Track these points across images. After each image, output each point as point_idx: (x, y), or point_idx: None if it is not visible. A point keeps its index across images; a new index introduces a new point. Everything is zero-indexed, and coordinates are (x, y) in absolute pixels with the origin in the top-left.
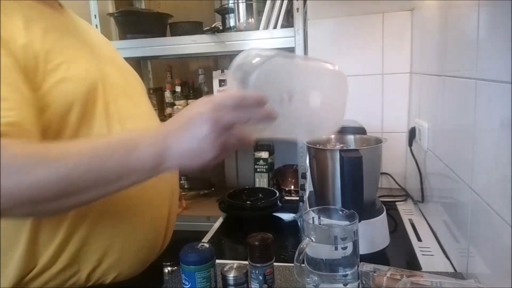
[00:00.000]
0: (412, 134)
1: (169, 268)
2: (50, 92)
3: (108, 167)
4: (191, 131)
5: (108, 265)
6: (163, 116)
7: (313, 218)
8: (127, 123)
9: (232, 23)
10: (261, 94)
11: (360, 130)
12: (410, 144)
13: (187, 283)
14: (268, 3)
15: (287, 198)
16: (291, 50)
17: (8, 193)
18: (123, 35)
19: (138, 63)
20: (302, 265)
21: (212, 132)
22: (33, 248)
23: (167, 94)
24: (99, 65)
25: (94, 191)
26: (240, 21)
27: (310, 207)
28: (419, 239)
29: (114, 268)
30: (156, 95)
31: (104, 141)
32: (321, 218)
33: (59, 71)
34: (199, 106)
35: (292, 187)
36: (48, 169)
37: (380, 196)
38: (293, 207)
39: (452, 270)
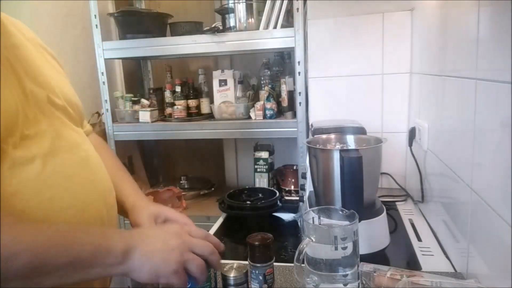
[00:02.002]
0: (412, 134)
1: None
2: None
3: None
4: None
5: None
6: (163, 116)
7: (313, 218)
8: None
9: (232, 23)
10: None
11: (360, 130)
12: (410, 144)
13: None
14: (268, 3)
15: (287, 198)
16: (291, 50)
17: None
18: (123, 35)
19: (138, 63)
20: (302, 265)
21: (178, 248)
22: None
23: (167, 94)
24: (25, 85)
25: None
26: (240, 21)
27: (310, 207)
28: (419, 239)
29: None
30: (156, 95)
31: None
32: (321, 218)
33: None
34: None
35: (292, 187)
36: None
37: (380, 196)
38: (293, 207)
39: (452, 270)
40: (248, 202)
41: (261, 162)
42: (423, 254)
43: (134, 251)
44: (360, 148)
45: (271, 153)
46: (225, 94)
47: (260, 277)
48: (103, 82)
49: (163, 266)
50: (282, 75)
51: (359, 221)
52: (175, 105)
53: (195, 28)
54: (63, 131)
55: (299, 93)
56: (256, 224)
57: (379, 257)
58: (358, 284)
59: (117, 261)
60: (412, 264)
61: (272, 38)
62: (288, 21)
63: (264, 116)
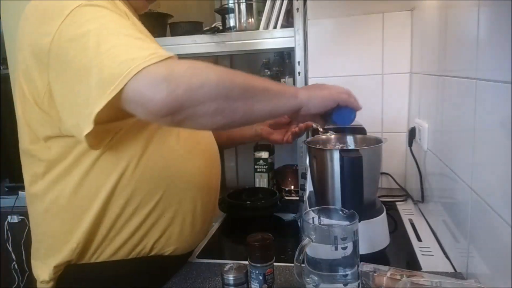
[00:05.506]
0: (412, 134)
1: None
2: None
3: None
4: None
5: (169, 237)
6: None
7: (313, 218)
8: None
9: (232, 23)
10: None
11: (360, 130)
12: (410, 144)
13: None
14: (268, 3)
15: (287, 198)
16: (291, 50)
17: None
18: None
19: None
20: (302, 265)
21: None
22: (102, 220)
23: None
24: None
25: (259, 103)
26: (240, 21)
27: (310, 207)
28: (419, 239)
29: (174, 241)
30: None
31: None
32: (321, 218)
33: None
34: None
35: (292, 187)
36: (240, 77)
37: (380, 196)
38: (293, 207)
39: (452, 270)
40: (248, 202)
41: (261, 162)
42: (423, 254)
43: (300, 93)
44: (360, 148)
45: (271, 153)
46: None
47: (260, 277)
48: None
49: (327, 95)
50: (282, 75)
51: (359, 221)
52: None
53: (195, 28)
54: None
55: None
56: (256, 224)
57: (379, 257)
58: (358, 284)
59: (293, 97)
60: (412, 264)
61: (272, 38)
62: (288, 21)
63: None
